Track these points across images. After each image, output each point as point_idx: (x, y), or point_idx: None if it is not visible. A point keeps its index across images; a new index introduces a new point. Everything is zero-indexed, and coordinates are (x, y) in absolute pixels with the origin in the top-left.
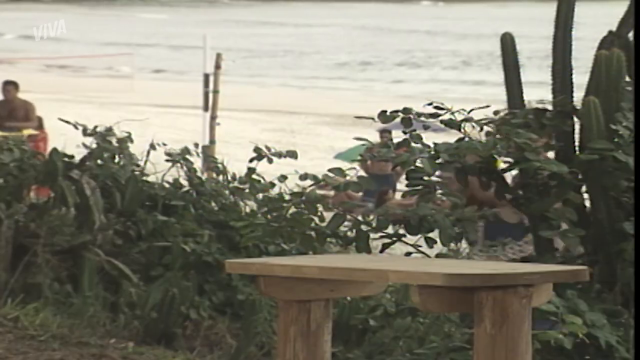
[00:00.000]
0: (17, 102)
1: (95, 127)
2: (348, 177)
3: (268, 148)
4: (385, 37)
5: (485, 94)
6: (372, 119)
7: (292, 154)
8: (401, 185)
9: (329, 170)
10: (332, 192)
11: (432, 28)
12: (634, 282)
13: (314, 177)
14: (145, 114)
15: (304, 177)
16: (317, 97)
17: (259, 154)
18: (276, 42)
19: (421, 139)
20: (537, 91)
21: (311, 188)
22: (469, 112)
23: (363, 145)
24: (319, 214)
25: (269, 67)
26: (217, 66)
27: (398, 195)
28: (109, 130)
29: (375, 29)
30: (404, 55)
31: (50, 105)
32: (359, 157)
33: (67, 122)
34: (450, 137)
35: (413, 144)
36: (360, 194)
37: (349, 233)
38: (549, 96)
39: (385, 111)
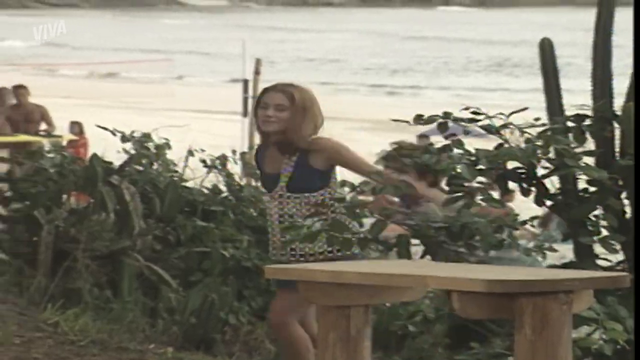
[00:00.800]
0: (30, 106)
1: (132, 132)
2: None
3: None
4: (420, 43)
5: (518, 99)
6: (408, 122)
7: None
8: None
9: (371, 175)
10: (370, 198)
11: (465, 34)
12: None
13: (352, 185)
14: (184, 120)
15: (341, 183)
16: (354, 103)
17: None
18: (311, 48)
19: (462, 144)
20: (572, 98)
21: (352, 194)
22: (507, 117)
23: None
24: (360, 219)
25: (306, 73)
26: (257, 72)
27: None
28: (147, 136)
29: (410, 36)
30: (439, 61)
31: (90, 111)
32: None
33: (104, 128)
34: (487, 142)
35: (455, 150)
36: (397, 199)
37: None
38: (583, 103)
39: (421, 115)
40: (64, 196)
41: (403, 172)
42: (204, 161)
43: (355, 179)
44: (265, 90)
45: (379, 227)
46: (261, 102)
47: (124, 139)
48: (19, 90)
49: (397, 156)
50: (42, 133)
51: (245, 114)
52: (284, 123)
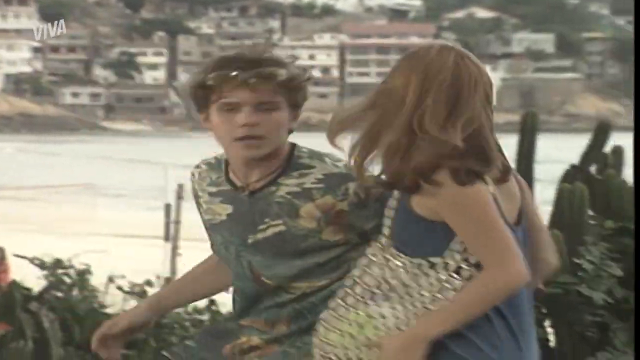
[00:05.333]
0: None
1: (54, 259)
2: None
3: None
4: None
5: None
6: None
7: None
8: None
9: None
10: None
11: None
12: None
13: None
14: (106, 244)
15: None
16: None
17: None
18: None
19: None
20: None
21: None
22: None
23: None
24: None
25: None
26: (179, 197)
27: None
28: (67, 261)
29: None
30: None
31: (11, 236)
32: None
33: (22, 257)
34: None
35: None
36: None
37: None
38: None
39: None
40: None
41: None
42: (120, 288)
43: None
44: None
45: None
46: None
47: (43, 266)
48: None
49: None
50: None
51: (167, 238)
52: None
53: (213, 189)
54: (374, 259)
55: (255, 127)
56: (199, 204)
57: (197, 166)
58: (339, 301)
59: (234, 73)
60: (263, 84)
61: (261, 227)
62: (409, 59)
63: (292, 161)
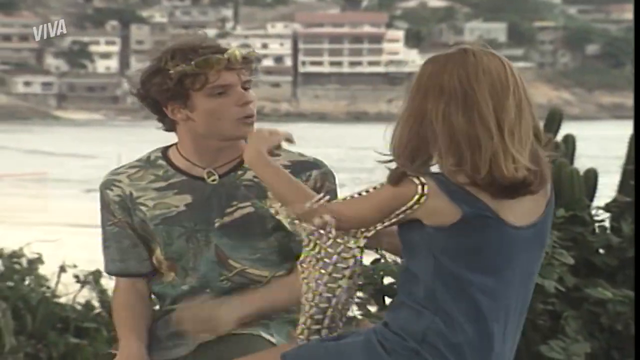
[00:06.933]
0: None
1: (1, 248)
2: None
3: None
4: None
5: None
6: None
7: None
8: None
9: None
10: None
11: None
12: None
13: None
14: (59, 233)
15: None
16: None
17: None
18: None
19: None
20: None
21: None
22: None
23: None
24: None
25: None
26: None
27: None
28: (19, 250)
29: None
30: None
31: None
32: None
33: None
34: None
35: None
36: None
37: None
38: None
39: None
40: None
41: None
42: (76, 277)
43: None
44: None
45: None
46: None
47: None
48: None
49: None
50: None
51: None
52: None
53: (161, 184)
54: None
55: (252, 105)
56: (140, 205)
57: (116, 173)
58: None
59: (225, 55)
60: (244, 64)
61: (229, 210)
62: None
63: None
